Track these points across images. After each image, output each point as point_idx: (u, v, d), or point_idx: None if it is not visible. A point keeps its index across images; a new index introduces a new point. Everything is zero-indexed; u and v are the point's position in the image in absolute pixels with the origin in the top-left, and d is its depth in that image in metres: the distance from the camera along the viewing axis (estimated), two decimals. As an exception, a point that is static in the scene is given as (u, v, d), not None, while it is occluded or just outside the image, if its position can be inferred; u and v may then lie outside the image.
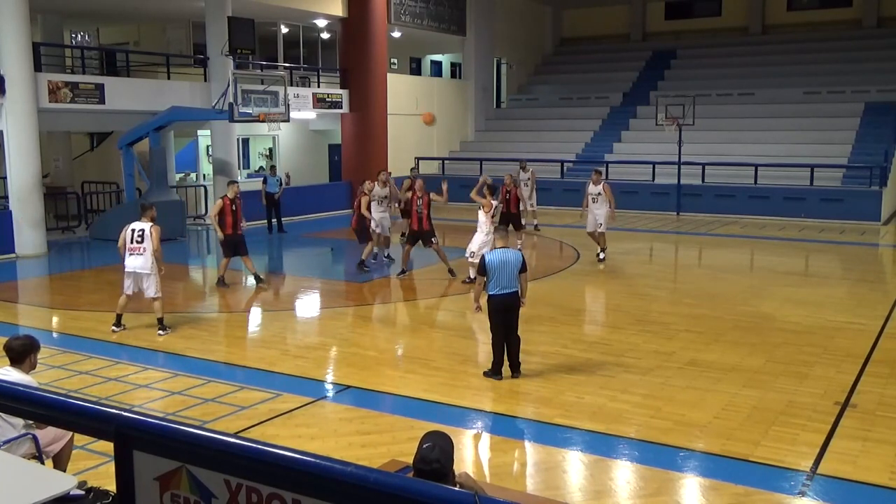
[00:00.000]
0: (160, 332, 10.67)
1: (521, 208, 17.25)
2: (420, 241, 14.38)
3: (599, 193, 15.55)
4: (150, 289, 10.56)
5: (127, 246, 10.50)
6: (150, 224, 10.52)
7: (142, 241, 10.42)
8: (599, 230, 15.75)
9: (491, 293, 8.56)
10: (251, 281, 14.24)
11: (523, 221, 20.63)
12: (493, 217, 13.20)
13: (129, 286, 10.62)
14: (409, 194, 15.19)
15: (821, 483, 6.28)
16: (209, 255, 19.16)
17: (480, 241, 13.01)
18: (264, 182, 20.18)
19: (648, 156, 24.81)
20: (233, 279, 14.38)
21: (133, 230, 10.51)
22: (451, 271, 14.28)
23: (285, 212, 20.56)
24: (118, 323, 10.83)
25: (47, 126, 18.46)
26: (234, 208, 13.63)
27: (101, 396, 8.00)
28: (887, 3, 29.95)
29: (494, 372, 8.71)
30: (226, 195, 13.79)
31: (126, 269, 10.57)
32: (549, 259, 17.17)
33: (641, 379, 8.73)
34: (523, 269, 8.59)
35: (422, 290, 13.99)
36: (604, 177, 16.68)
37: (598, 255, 15.92)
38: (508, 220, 16.43)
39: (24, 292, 14.21)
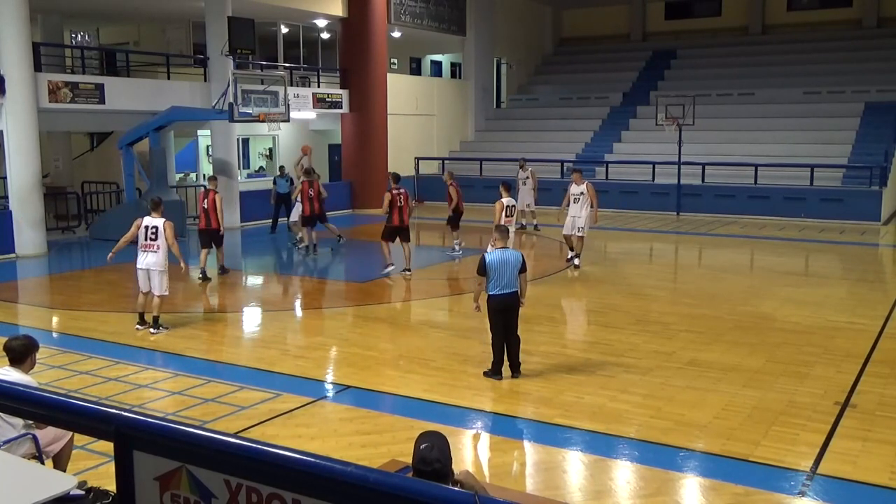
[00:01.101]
0: (152, 330, 10.65)
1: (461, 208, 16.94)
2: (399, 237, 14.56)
3: (582, 193, 15.00)
4: (157, 286, 10.56)
5: (140, 243, 10.53)
6: (164, 220, 10.52)
7: (156, 238, 10.44)
8: (579, 234, 15.05)
9: (491, 293, 8.58)
10: (251, 281, 14.23)
11: (524, 222, 20.67)
12: (509, 216, 12.86)
13: (143, 284, 10.65)
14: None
15: (821, 483, 6.28)
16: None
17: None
18: (274, 183, 20.12)
19: (648, 156, 24.81)
20: (232, 277, 14.37)
21: (147, 227, 10.50)
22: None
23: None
24: (142, 321, 10.80)
25: (47, 126, 18.46)
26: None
27: (101, 396, 8.00)
28: (887, 3, 29.94)
29: (494, 372, 8.72)
30: (216, 191, 14.33)
31: (139, 266, 10.59)
32: (549, 259, 17.16)
33: (641, 379, 8.73)
34: (523, 268, 8.62)
35: (422, 290, 13.99)
36: (585, 176, 16.29)
37: (572, 260, 15.23)
38: (455, 219, 16.61)
39: (24, 292, 14.21)
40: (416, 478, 3.51)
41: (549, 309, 12.15)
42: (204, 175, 24.19)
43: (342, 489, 2.36)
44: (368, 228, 18.82)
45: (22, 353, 5.69)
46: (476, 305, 8.93)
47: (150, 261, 10.49)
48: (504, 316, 8.62)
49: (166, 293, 10.69)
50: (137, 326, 10.79)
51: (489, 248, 9.19)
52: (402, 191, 14.43)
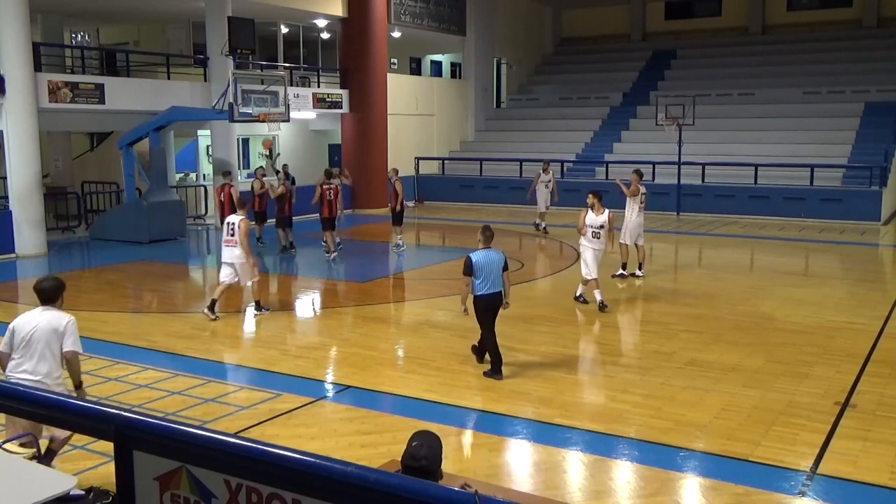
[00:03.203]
0: (255, 312, 11.69)
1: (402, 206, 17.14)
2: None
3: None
4: (244, 277, 11.42)
5: (223, 238, 11.50)
6: (241, 217, 11.37)
7: (233, 234, 11.31)
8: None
9: (478, 293, 8.74)
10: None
11: (538, 222, 20.65)
12: (641, 204, 13.26)
13: (225, 275, 11.42)
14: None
15: (821, 483, 6.28)
16: (209, 255, 19.15)
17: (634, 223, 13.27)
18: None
19: (648, 156, 24.78)
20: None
21: (228, 223, 11.48)
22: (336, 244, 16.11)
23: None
24: (212, 308, 11.38)
25: (47, 126, 18.45)
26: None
27: (101, 396, 7.98)
28: (887, 3, 29.94)
29: (495, 371, 8.80)
30: (231, 184, 15.91)
31: (223, 260, 11.47)
32: (550, 259, 17.17)
33: (641, 379, 8.73)
34: (505, 267, 8.81)
35: (421, 290, 13.98)
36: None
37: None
38: (398, 216, 17.01)
39: (24, 292, 14.18)
40: (404, 474, 3.55)
41: (549, 309, 12.15)
42: (204, 175, 24.22)
43: (342, 489, 2.36)
44: (369, 228, 18.81)
45: (54, 292, 6.03)
46: (464, 308, 8.96)
47: (231, 254, 11.34)
48: (492, 314, 8.84)
49: (257, 278, 11.55)
50: (206, 311, 11.41)
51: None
52: (332, 186, 15.92)
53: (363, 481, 2.34)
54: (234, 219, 11.36)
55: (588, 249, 12.06)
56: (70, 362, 5.96)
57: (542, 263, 16.43)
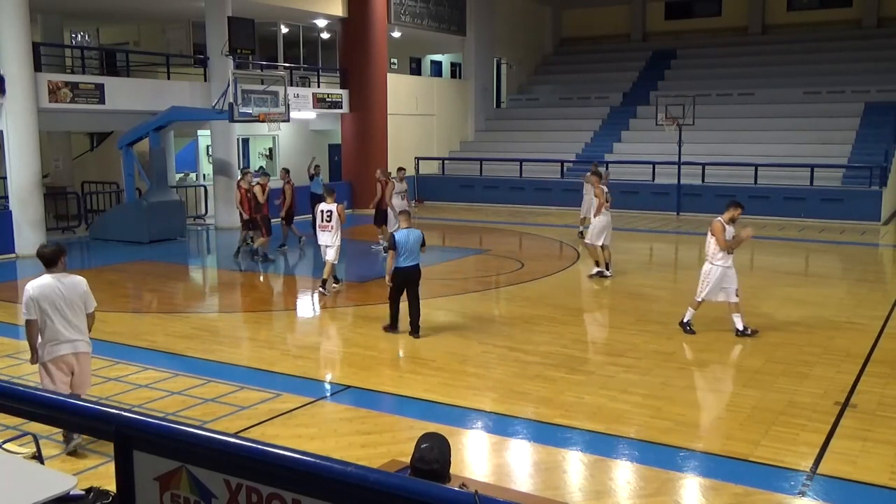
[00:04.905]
0: (334, 286, 13.02)
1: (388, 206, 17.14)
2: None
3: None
4: (331, 256, 12.78)
5: (318, 224, 12.90)
6: (336, 205, 12.81)
7: (330, 220, 12.74)
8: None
9: (400, 266, 10.22)
10: (251, 281, 14.20)
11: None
12: (607, 203, 13.93)
13: (330, 256, 12.78)
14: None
15: (821, 483, 6.28)
16: (209, 255, 19.17)
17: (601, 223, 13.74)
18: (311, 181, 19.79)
19: (648, 156, 24.80)
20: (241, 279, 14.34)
21: (322, 211, 12.86)
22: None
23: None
24: (324, 285, 12.81)
25: (47, 126, 18.45)
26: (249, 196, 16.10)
27: (101, 396, 7.98)
28: (887, 3, 29.95)
29: (392, 327, 10.57)
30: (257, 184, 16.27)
31: (321, 243, 13.04)
32: (550, 259, 17.17)
33: (641, 379, 8.73)
34: (423, 243, 10.40)
35: (421, 290, 13.94)
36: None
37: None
38: (381, 216, 17.18)
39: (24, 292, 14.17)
40: (413, 476, 3.52)
41: (549, 309, 12.14)
42: (204, 175, 24.23)
43: (342, 489, 2.36)
44: (369, 228, 18.78)
45: (53, 257, 6.61)
46: (389, 278, 10.38)
47: (325, 239, 12.84)
48: (410, 285, 10.36)
49: (335, 262, 12.87)
50: (322, 290, 12.89)
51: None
52: (289, 181, 17.32)
53: (363, 481, 2.34)
54: (330, 206, 12.76)
55: (719, 269, 10.63)
56: (91, 319, 6.88)
57: (542, 263, 16.41)
